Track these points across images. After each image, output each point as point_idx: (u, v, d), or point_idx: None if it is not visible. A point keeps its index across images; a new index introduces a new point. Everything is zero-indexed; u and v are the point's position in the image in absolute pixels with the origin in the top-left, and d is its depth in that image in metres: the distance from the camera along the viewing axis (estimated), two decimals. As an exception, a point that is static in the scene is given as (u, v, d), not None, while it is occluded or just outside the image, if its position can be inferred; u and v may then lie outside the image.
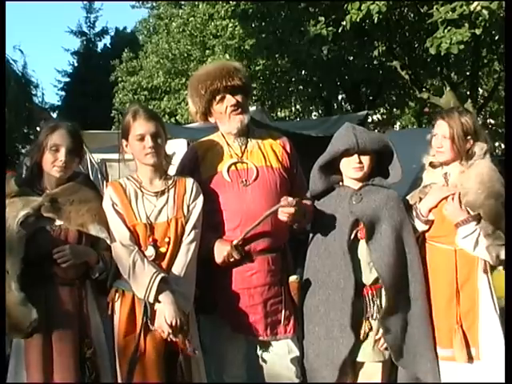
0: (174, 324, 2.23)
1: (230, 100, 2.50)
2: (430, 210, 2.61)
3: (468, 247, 2.53)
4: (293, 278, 2.52)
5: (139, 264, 2.26)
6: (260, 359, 2.51)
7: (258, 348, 2.51)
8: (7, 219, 2.25)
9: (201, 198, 2.43)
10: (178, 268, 2.33)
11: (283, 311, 2.48)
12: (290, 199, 2.32)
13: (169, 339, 2.25)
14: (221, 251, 2.41)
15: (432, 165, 2.72)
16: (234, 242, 2.39)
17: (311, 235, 2.62)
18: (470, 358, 2.52)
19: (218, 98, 2.51)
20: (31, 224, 2.26)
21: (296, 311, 2.53)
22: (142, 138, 2.36)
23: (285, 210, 2.34)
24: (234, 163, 2.53)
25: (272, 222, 2.44)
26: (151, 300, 2.24)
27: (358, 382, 2.54)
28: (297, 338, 2.53)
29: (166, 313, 2.23)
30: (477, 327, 2.54)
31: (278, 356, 2.49)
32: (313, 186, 2.63)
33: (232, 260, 2.40)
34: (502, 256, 2.46)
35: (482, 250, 2.50)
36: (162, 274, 2.25)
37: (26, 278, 2.21)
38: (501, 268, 2.58)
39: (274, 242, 2.48)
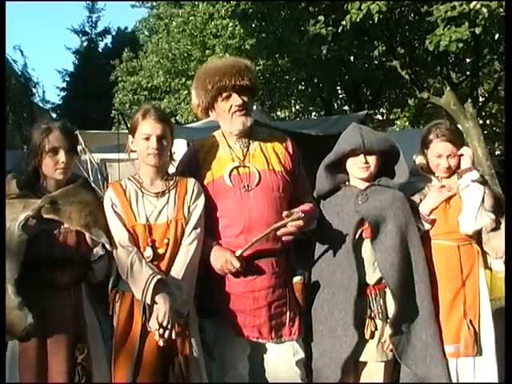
0: (164, 325, 2.19)
1: (236, 99, 2.45)
2: (431, 211, 2.65)
3: (475, 193, 2.60)
4: (297, 279, 2.50)
5: (137, 265, 2.25)
6: (264, 361, 2.49)
7: (263, 350, 2.48)
8: (6, 221, 2.21)
9: (202, 199, 2.41)
10: (177, 269, 2.31)
11: (288, 313, 2.45)
12: (297, 212, 2.31)
13: (159, 341, 2.20)
14: (219, 258, 2.37)
15: (423, 169, 2.79)
16: (238, 253, 2.34)
17: (317, 235, 2.61)
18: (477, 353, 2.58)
19: (224, 95, 2.46)
20: (32, 227, 2.23)
21: (301, 312, 2.51)
22: (147, 138, 2.35)
23: (294, 224, 2.31)
24: (236, 167, 2.48)
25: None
26: (148, 301, 2.22)
27: (361, 381, 2.55)
28: (302, 340, 2.50)
29: (158, 313, 2.21)
30: (477, 322, 2.61)
31: (283, 358, 2.46)
32: (319, 185, 2.63)
33: (231, 269, 2.34)
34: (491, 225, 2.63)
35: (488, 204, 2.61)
36: (159, 276, 2.23)
37: (23, 282, 2.18)
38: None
39: (277, 244, 2.44)
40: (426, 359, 2.49)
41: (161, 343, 2.21)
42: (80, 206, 2.31)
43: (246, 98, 2.47)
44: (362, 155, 2.52)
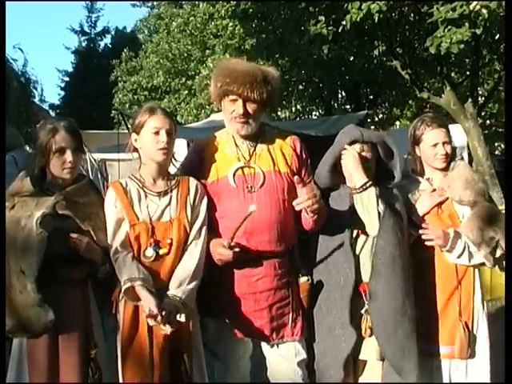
0: (155, 314, 2.14)
1: (239, 107, 2.40)
2: (423, 216, 2.65)
3: (464, 262, 2.59)
4: (303, 280, 2.48)
5: (120, 266, 2.26)
6: (266, 362, 2.48)
7: (264, 350, 2.48)
8: (20, 218, 2.22)
9: (205, 199, 2.41)
10: (185, 265, 2.30)
11: (290, 314, 2.44)
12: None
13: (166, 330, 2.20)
14: (213, 248, 2.37)
15: (415, 172, 2.78)
16: (225, 243, 2.31)
17: (317, 234, 2.60)
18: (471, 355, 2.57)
19: (230, 97, 2.42)
20: (48, 224, 2.23)
21: (304, 313, 2.50)
22: (157, 132, 2.33)
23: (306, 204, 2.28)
24: (241, 167, 2.46)
25: (278, 226, 2.41)
26: (130, 299, 2.24)
27: (360, 381, 2.55)
28: (304, 340, 2.50)
29: (147, 307, 2.16)
30: (472, 324, 2.61)
31: (285, 359, 2.45)
32: (317, 183, 2.62)
33: (219, 257, 2.33)
34: (497, 254, 2.57)
35: (479, 259, 2.58)
36: (139, 282, 2.21)
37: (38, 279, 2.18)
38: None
39: (280, 246, 2.43)
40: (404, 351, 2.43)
41: (167, 330, 2.18)
42: (88, 207, 2.33)
43: (251, 108, 2.41)
44: (360, 146, 2.51)
